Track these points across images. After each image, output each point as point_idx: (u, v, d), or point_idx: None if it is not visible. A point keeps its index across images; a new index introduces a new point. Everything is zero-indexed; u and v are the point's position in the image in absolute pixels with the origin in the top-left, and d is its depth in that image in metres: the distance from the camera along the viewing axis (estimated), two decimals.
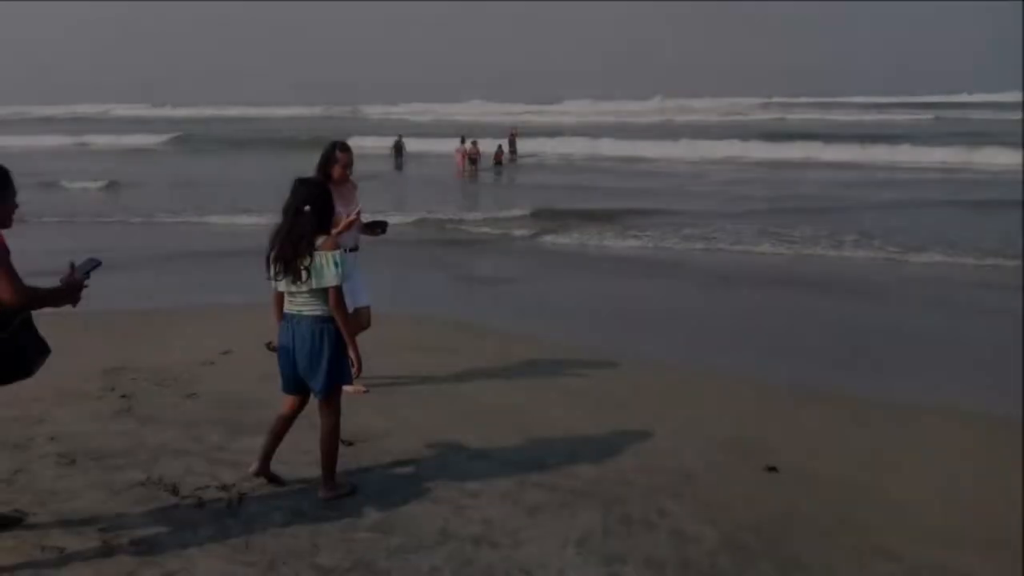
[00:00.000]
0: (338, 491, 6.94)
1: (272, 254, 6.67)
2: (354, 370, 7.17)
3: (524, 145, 48.21)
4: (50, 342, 5.94)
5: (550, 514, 6.71)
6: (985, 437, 8.45)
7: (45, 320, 5.92)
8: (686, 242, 20.58)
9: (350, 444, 7.64)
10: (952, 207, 26.76)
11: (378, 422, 8.42)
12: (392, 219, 12.19)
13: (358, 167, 9.42)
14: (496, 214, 25.63)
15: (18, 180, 5.79)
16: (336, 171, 8.74)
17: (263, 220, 22.27)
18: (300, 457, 7.59)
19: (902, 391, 9.73)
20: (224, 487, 7.10)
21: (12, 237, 5.55)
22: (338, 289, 6.47)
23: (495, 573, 5.88)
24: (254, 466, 7.17)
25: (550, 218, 24.43)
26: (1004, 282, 15.90)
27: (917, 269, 17.46)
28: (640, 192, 31.24)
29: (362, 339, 7.72)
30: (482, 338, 11.38)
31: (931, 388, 9.88)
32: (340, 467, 7.11)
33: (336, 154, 8.81)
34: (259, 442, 7.36)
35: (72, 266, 5.83)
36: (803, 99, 71.50)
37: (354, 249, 8.83)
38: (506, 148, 45.01)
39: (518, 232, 22.61)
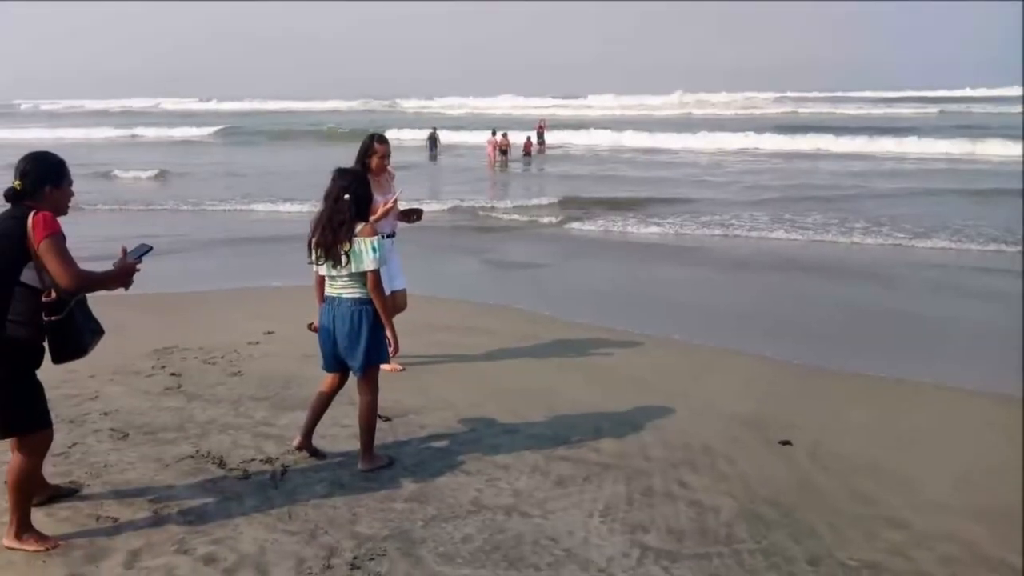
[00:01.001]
0: (376, 464, 6.94)
1: (314, 240, 6.67)
2: (391, 349, 7.16)
3: (551, 137, 48.12)
4: (104, 323, 5.94)
5: (576, 486, 6.69)
6: (988, 413, 8.39)
7: (100, 302, 5.92)
8: (705, 228, 20.48)
9: (387, 419, 7.62)
10: (956, 196, 26.57)
11: (413, 399, 8.41)
12: (427, 207, 12.17)
13: (395, 157, 9.40)
14: (525, 202, 25.55)
15: (73, 170, 5.79)
16: (374, 161, 8.70)
17: (304, 208, 22.33)
18: (340, 432, 7.60)
19: (910, 369, 9.65)
20: (268, 460, 7.11)
21: (68, 224, 5.54)
22: (376, 273, 6.45)
23: (525, 541, 5.87)
24: (296, 440, 7.17)
25: (576, 206, 24.34)
26: (1006, 267, 15.79)
27: (924, 254, 17.35)
28: (661, 181, 31.16)
29: (398, 320, 7.68)
30: (512, 319, 11.34)
31: (938, 366, 9.80)
32: (377, 441, 7.11)
33: (374, 145, 8.78)
34: (301, 417, 7.38)
35: (124, 251, 5.82)
36: (814, 93, 71.09)
37: (391, 235, 8.81)
38: (535, 140, 44.94)
39: (546, 219, 22.55)
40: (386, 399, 7.31)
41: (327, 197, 6.48)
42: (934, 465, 7.21)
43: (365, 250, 6.33)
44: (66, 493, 6.46)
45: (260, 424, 7.89)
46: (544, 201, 25.59)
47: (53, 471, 6.37)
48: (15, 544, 5.74)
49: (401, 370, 9.19)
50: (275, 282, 13.68)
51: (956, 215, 21.74)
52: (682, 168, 37.93)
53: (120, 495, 6.48)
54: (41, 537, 5.81)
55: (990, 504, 6.47)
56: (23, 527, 5.77)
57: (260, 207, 24.80)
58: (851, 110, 79.82)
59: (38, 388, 5.69)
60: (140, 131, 69.81)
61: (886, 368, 9.68)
